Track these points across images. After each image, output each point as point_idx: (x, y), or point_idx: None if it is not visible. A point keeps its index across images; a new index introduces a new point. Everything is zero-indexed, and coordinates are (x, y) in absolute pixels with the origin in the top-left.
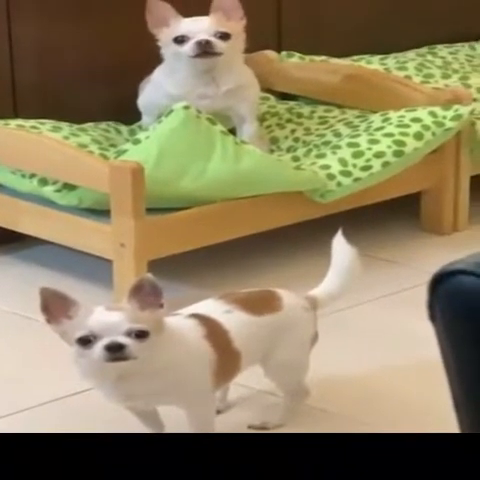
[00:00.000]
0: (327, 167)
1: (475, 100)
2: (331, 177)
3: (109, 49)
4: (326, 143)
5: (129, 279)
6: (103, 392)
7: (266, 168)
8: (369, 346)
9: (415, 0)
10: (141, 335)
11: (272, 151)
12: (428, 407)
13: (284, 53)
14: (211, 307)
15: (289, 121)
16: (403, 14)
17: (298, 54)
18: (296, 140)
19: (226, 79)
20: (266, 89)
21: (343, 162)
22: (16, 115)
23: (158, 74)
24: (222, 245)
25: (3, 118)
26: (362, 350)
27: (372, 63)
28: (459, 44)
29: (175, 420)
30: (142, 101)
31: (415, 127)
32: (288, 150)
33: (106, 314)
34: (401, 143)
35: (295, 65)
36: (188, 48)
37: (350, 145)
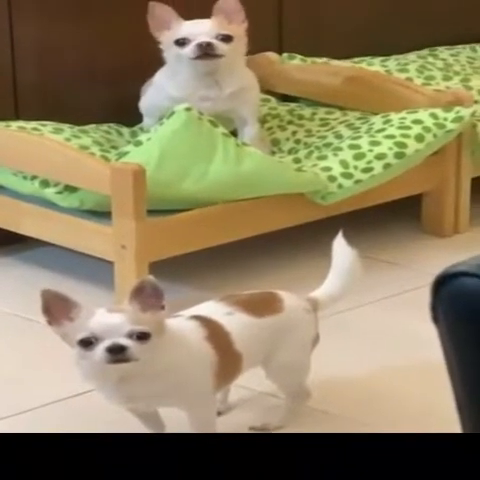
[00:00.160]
0: (328, 169)
1: (476, 102)
2: (332, 179)
3: (110, 50)
4: (327, 145)
5: (130, 281)
6: (104, 394)
7: (267, 170)
8: (370, 348)
9: (416, 2)
10: (142, 337)
11: (273, 153)
12: (429, 408)
13: (285, 55)
14: (212, 309)
15: (290, 123)
16: (404, 16)
17: (299, 56)
18: (297, 142)
19: (229, 81)
20: (267, 91)
21: (344, 164)
22: (17, 116)
23: (160, 77)
24: (223, 247)
25: (4, 119)
26: (363, 352)
27: (373, 65)
28: (460, 46)
29: (176, 422)
30: (144, 104)
31: (416, 129)
32: (289, 152)
33: (107, 316)
34: (402, 145)
35: (296, 67)
36: (189, 50)
37: (351, 147)
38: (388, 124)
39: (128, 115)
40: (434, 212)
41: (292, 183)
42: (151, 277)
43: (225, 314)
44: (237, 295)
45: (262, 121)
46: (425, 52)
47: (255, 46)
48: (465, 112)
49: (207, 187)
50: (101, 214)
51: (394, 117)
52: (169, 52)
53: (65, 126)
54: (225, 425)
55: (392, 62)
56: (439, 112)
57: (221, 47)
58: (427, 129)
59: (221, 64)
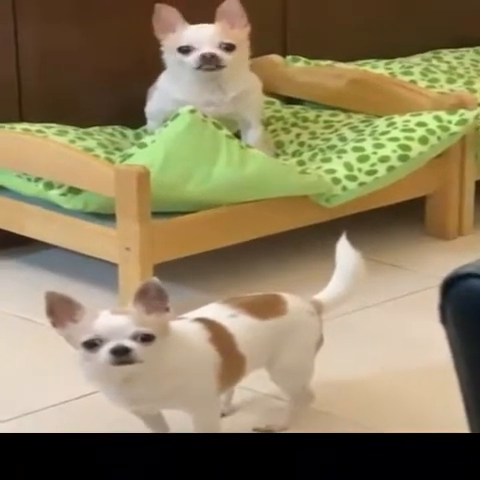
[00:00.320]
0: (332, 171)
1: None
2: (336, 181)
3: (114, 53)
4: (331, 147)
5: (134, 283)
6: (108, 396)
7: (271, 172)
8: (374, 350)
9: (420, 5)
10: (147, 339)
11: (277, 155)
12: (433, 411)
13: (289, 57)
14: (216, 311)
15: (294, 125)
16: (408, 19)
17: (303, 58)
18: (301, 144)
19: (232, 86)
20: (271, 93)
21: (348, 166)
22: (22, 119)
23: (163, 81)
24: (227, 249)
25: (9, 122)
26: (367, 354)
27: (377, 68)
28: (464, 49)
29: (180, 423)
30: (150, 108)
31: (420, 131)
32: (293, 154)
33: (112, 318)
34: (406, 147)
35: (300, 69)
36: (192, 60)
37: (355, 149)
38: (392, 127)
39: (132, 117)
40: (438, 215)
41: (296, 185)
42: (155, 279)
43: (229, 316)
44: (241, 297)
45: (266, 123)
46: (429, 55)
47: (259, 49)
48: (469, 115)
49: (211, 189)
50: (105, 216)
51: (398, 120)
52: (171, 56)
53: (69, 128)
54: (229, 427)
55: (396, 65)
56: (443, 115)
57: (225, 58)
58: (431, 132)
59: (224, 72)
